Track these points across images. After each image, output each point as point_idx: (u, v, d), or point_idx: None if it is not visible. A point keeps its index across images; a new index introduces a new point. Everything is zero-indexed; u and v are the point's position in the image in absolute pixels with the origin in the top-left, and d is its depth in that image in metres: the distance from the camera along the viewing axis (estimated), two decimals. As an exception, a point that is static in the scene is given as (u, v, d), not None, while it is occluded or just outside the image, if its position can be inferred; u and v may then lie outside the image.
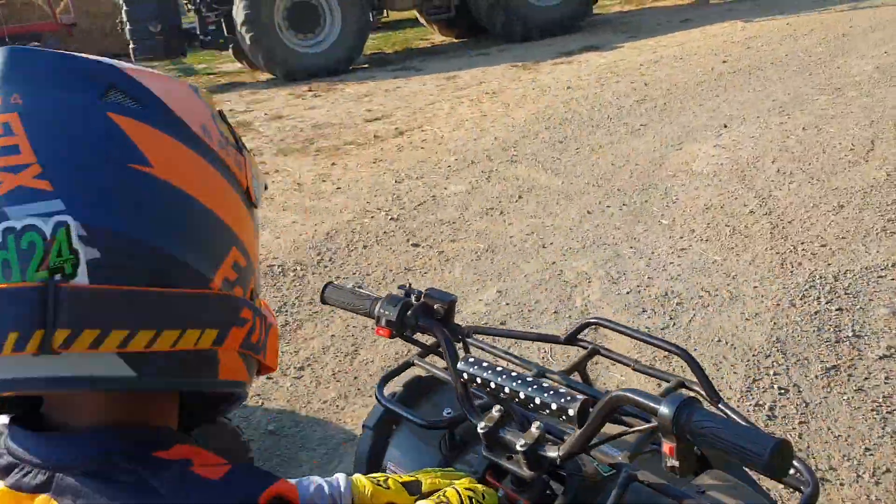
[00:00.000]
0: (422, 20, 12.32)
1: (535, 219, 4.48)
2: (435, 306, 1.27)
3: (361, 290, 1.37)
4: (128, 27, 9.44)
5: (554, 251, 3.99)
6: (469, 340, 1.32)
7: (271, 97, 9.03)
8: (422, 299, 1.27)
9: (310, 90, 9.11)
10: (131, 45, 9.54)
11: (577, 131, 6.10)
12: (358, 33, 9.99)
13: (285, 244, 4.42)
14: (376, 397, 1.28)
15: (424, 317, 1.26)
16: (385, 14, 11.76)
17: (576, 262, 3.82)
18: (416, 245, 4.27)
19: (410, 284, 1.37)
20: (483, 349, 1.36)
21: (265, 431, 2.79)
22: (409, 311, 1.25)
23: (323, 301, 1.40)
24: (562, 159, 5.48)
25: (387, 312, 1.27)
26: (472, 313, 3.43)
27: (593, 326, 1.33)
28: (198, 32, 9.85)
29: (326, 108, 8.22)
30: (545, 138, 6.03)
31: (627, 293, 3.41)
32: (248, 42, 9.19)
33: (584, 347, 1.32)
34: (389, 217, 4.70)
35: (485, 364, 1.07)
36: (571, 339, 1.33)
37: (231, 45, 10.31)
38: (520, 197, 4.85)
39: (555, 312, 3.34)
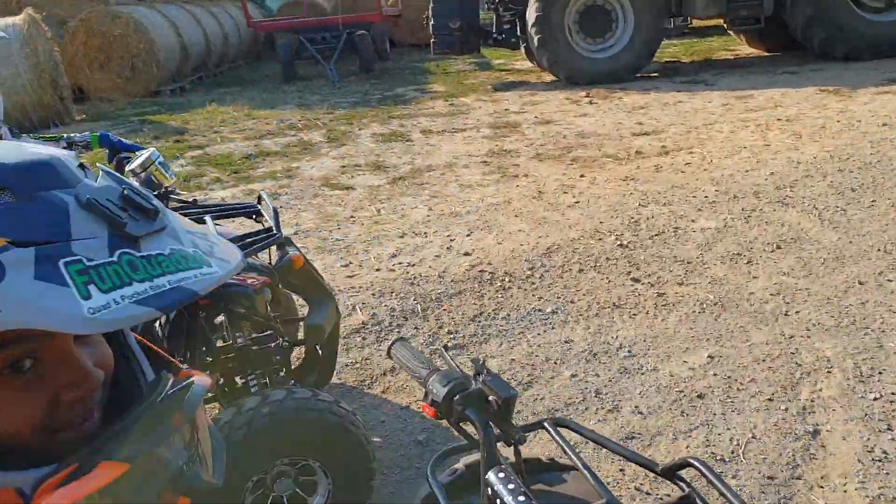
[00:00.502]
0: (729, 30, 11.29)
1: (787, 277, 3.77)
2: (490, 397, 1.06)
3: (425, 356, 1.22)
4: (431, 22, 10.15)
5: (797, 323, 3.31)
6: (551, 431, 1.11)
7: (547, 100, 9.02)
8: (477, 385, 1.08)
9: (587, 96, 8.90)
10: (432, 40, 10.25)
11: (880, 180, 5.02)
12: (649, 41, 9.49)
13: (503, 252, 4.33)
14: (427, 475, 1.12)
15: (474, 408, 1.06)
16: (689, 21, 11.01)
17: (820, 343, 3.11)
18: (636, 280, 3.88)
19: (485, 360, 1.17)
20: (561, 445, 1.11)
21: (414, 440, 2.74)
22: (458, 396, 1.07)
23: (388, 355, 1.28)
24: (847, 211, 4.55)
25: (434, 390, 1.10)
26: (668, 374, 2.99)
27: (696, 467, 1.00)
28: (493, 31, 10.22)
29: (597, 116, 7.95)
30: (834, 182, 5.07)
31: (874, 400, 2.67)
32: (535, 43, 9.28)
33: (681, 489, 1.02)
34: (618, 243, 4.34)
35: (514, 486, 0.91)
36: (668, 473, 1.03)
37: (524, 45, 10.52)
38: (778, 247, 4.13)
39: (769, 399, 2.75)
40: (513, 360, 3.20)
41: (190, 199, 2.75)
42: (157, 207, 0.61)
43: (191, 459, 0.65)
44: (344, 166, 6.57)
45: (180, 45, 12.52)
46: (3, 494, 0.56)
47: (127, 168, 2.23)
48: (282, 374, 2.57)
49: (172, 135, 8.38)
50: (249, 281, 2.18)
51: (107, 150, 2.49)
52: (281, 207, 5.48)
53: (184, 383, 0.67)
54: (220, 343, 2.37)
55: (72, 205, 0.55)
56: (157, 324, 2.61)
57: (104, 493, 0.55)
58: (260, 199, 2.62)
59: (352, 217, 5.17)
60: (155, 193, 2.16)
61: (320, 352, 2.57)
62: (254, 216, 2.57)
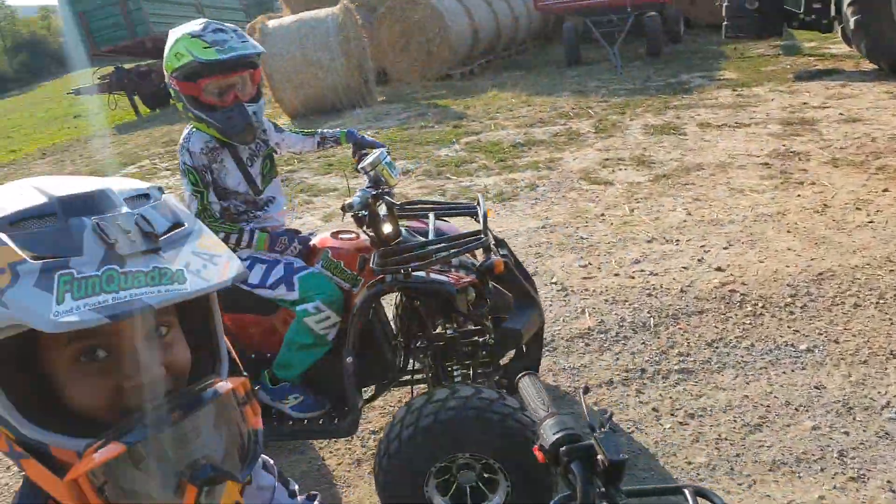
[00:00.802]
0: None
1: None
2: (599, 457, 0.99)
3: (548, 398, 1.17)
4: (725, 3, 9.31)
5: None
6: (690, 499, 1.03)
7: (859, 93, 7.74)
8: (589, 441, 1.01)
9: (914, 89, 7.45)
10: (724, 22, 9.41)
11: None
12: None
13: (763, 272, 3.88)
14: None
15: (580, 462, 1.00)
16: None
17: None
18: (929, 326, 3.20)
19: (611, 415, 1.09)
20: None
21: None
22: (566, 448, 1.01)
23: (515, 387, 1.26)
24: None
25: (544, 435, 1.07)
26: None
27: None
28: (800, 12, 9.02)
29: (924, 115, 6.62)
30: None
31: None
32: (851, 25, 7.98)
33: None
34: (916, 277, 3.61)
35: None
36: None
37: (841, 27, 9.12)
38: None
39: None
40: (746, 396, 2.88)
41: (424, 195, 2.93)
42: (158, 231, 0.75)
43: (205, 454, 0.76)
44: (607, 159, 6.42)
45: (472, 30, 13.23)
46: (67, 454, 0.72)
47: (359, 165, 2.44)
48: (488, 369, 2.66)
49: (452, 119, 8.96)
50: (455, 279, 2.26)
51: (351, 145, 2.76)
52: (535, 200, 5.57)
53: (203, 385, 0.79)
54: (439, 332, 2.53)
55: (87, 228, 0.70)
56: (394, 307, 2.86)
57: (106, 467, 0.69)
58: (478, 201, 2.70)
59: (602, 215, 5.05)
60: (379, 191, 2.36)
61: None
62: (474, 217, 2.65)
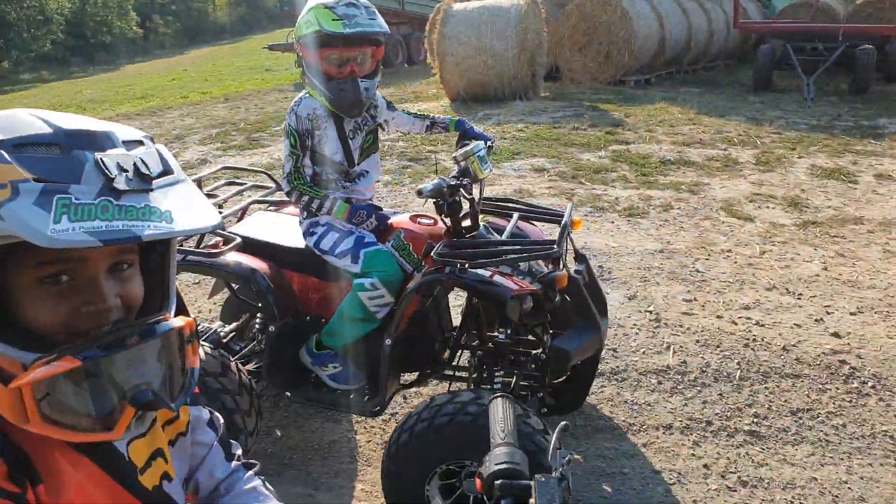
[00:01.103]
0: None
1: None
2: (531, 500, 0.91)
3: (512, 425, 1.06)
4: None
5: None
6: None
7: None
8: (527, 481, 0.94)
9: None
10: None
11: None
12: None
13: (889, 348, 3.44)
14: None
15: (511, 501, 0.94)
16: None
17: None
18: None
19: (570, 460, 0.97)
20: None
21: (647, 513, 2.49)
22: (502, 482, 0.94)
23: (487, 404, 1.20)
24: None
25: (486, 463, 0.99)
26: None
27: None
28: None
29: None
30: None
31: None
32: None
33: None
34: None
35: None
36: None
37: None
38: None
39: None
40: (814, 479, 2.59)
41: (516, 198, 2.90)
42: (152, 174, 0.84)
43: (147, 381, 0.86)
44: (757, 194, 5.95)
45: (659, 38, 12.70)
46: (14, 365, 0.81)
47: (453, 154, 2.47)
48: (534, 384, 2.61)
49: (607, 125, 8.72)
50: (517, 285, 2.22)
51: (458, 133, 2.79)
52: (664, 222, 5.31)
53: (157, 318, 0.89)
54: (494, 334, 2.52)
55: (90, 162, 0.79)
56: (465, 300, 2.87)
57: (53, 379, 0.78)
58: (567, 209, 2.63)
59: (728, 251, 4.70)
60: (460, 181, 2.38)
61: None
62: (560, 224, 2.59)
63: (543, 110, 10.05)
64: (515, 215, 2.64)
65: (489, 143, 2.71)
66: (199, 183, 3.09)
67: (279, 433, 3.01)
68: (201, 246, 2.68)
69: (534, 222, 2.80)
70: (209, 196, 2.95)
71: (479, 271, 2.25)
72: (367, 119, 2.66)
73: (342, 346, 2.55)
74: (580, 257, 2.61)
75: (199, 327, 2.82)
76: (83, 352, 0.79)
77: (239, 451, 1.21)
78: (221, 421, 1.20)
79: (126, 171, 0.81)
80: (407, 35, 19.21)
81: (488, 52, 10.48)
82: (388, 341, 2.36)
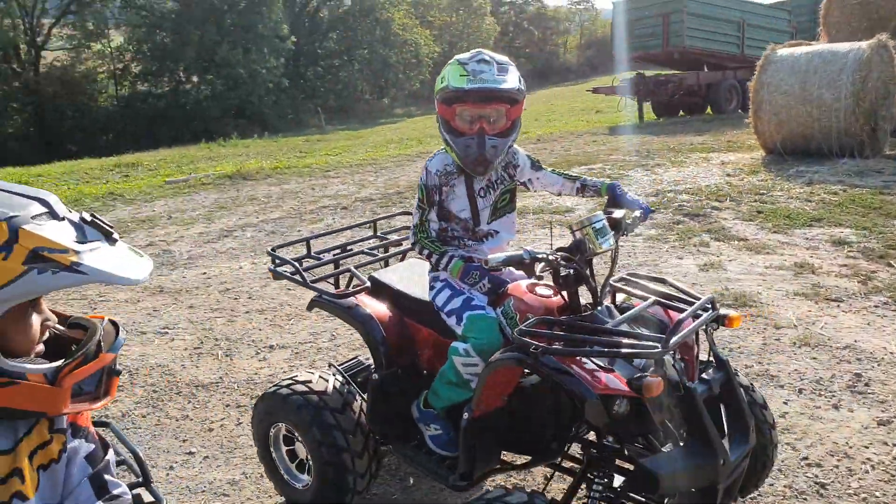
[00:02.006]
0: None
1: None
2: None
3: None
4: None
5: None
6: None
7: None
8: None
9: None
10: None
11: None
12: None
13: None
14: None
15: None
16: None
17: None
18: None
19: None
20: None
21: None
22: None
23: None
24: None
25: None
26: None
27: None
28: None
29: None
30: None
31: None
32: None
33: None
34: None
35: None
36: None
37: None
38: None
39: None
40: None
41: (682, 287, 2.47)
42: (111, 231, 1.14)
43: None
44: None
45: None
46: (37, 377, 1.10)
47: (570, 223, 2.23)
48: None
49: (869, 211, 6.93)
50: (606, 381, 1.89)
51: (607, 198, 2.51)
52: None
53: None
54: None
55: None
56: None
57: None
58: (713, 302, 2.18)
59: None
60: (580, 256, 2.13)
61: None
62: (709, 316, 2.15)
63: (878, 172, 8.42)
64: (651, 298, 2.27)
65: (641, 212, 2.38)
66: (374, 224, 3.29)
67: (412, 481, 3.00)
68: (339, 288, 2.83)
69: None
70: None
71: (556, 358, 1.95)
72: (503, 178, 2.55)
73: (442, 409, 2.46)
74: (719, 363, 2.13)
75: (349, 361, 2.98)
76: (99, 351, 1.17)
77: (119, 491, 1.25)
78: (108, 459, 1.26)
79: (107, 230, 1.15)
80: (743, 80, 17.81)
81: (814, 103, 9.18)
82: (465, 414, 2.21)
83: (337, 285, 2.87)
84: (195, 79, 35.66)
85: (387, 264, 3.03)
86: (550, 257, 2.09)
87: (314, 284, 2.68)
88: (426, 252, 2.46)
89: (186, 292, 5.57)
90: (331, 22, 43.24)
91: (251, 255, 6.58)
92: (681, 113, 18.23)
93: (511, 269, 2.63)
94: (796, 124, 9.43)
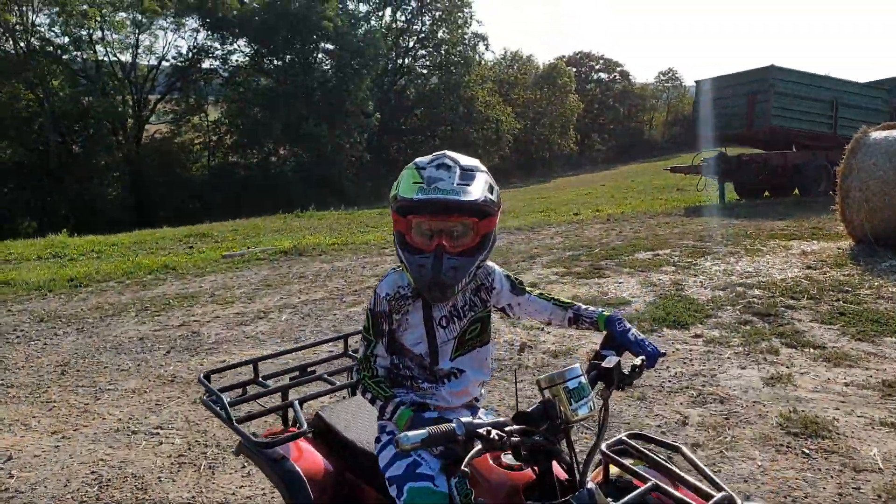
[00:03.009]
0: None
1: None
2: None
3: None
4: None
5: None
6: None
7: None
8: None
9: None
10: None
11: None
12: None
13: None
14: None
15: None
16: None
17: None
18: None
19: None
20: None
21: None
22: None
23: None
24: None
25: None
26: None
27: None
28: None
29: None
30: None
31: None
32: None
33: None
34: None
35: None
36: None
37: None
38: None
39: None
40: None
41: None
42: None
43: None
44: None
45: None
46: None
47: (537, 378, 1.68)
48: None
49: None
50: None
51: (604, 334, 1.95)
52: None
53: None
54: None
55: None
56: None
57: None
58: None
59: None
60: (549, 425, 1.58)
61: None
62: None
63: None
64: (649, 482, 1.67)
65: (643, 359, 1.82)
66: (346, 340, 2.82)
67: None
68: (289, 425, 2.37)
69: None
70: None
71: None
72: (472, 304, 2.04)
73: None
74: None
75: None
76: None
77: None
78: None
79: None
80: (834, 162, 16.66)
81: (911, 190, 8.22)
82: None
83: (285, 422, 2.40)
84: (282, 151, 37.26)
85: (353, 393, 2.55)
86: (494, 434, 1.54)
87: (245, 422, 2.21)
88: (369, 395, 1.97)
89: (197, 385, 5.24)
90: (416, 99, 44.56)
91: (275, 343, 6.25)
92: (765, 194, 17.19)
93: (480, 416, 2.10)
94: (891, 212, 8.46)
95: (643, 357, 1.84)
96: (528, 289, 2.14)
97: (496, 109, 44.29)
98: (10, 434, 4.46)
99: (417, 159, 1.94)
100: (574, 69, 56.93)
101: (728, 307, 6.38)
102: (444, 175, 1.83)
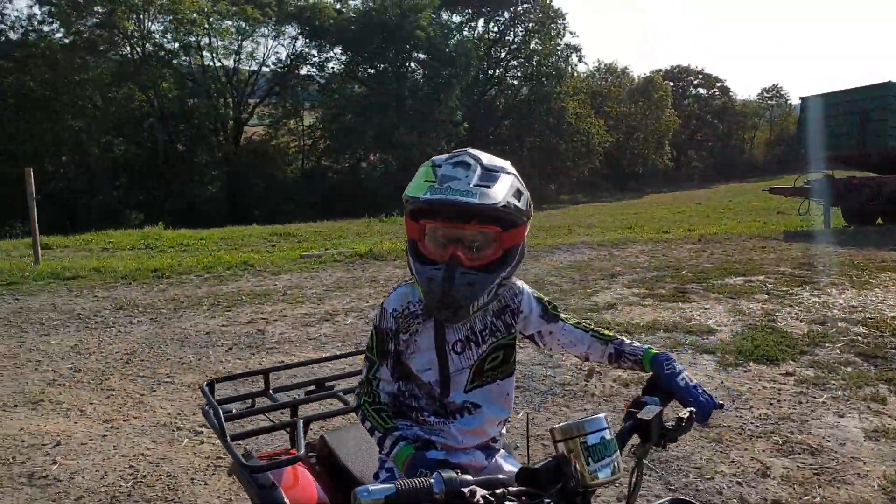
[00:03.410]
0: None
1: None
2: None
3: None
4: None
5: None
6: None
7: None
8: None
9: None
10: None
11: None
12: None
13: None
14: None
15: None
16: None
17: None
18: None
19: None
20: None
21: None
22: None
23: None
24: None
25: None
26: None
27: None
28: None
29: None
30: None
31: None
32: None
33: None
34: None
35: None
36: None
37: None
38: None
39: None
40: None
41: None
42: None
43: None
44: None
45: None
46: None
47: (551, 428, 1.36)
48: None
49: None
50: None
51: (649, 377, 1.62)
52: None
53: None
54: None
55: None
56: None
57: None
58: None
59: None
60: (562, 487, 1.28)
61: None
62: None
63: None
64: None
65: (691, 411, 1.48)
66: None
67: None
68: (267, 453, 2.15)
69: None
70: None
71: None
72: (495, 328, 1.75)
73: None
74: None
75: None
76: None
77: None
78: None
79: None
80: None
81: None
82: None
83: (293, 441, 2.18)
84: (373, 157, 37.88)
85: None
86: (480, 498, 1.23)
87: (244, 439, 2.01)
88: (368, 424, 1.71)
89: (251, 385, 5.17)
90: (506, 109, 44.33)
91: (336, 346, 6.12)
92: (878, 221, 15.80)
93: (498, 460, 1.80)
94: None
95: (692, 409, 1.49)
96: (562, 315, 1.82)
97: (587, 121, 43.37)
98: (64, 419, 4.50)
99: (437, 157, 1.67)
100: (671, 83, 55.09)
101: (827, 344, 5.74)
102: (460, 174, 1.55)
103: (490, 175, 1.56)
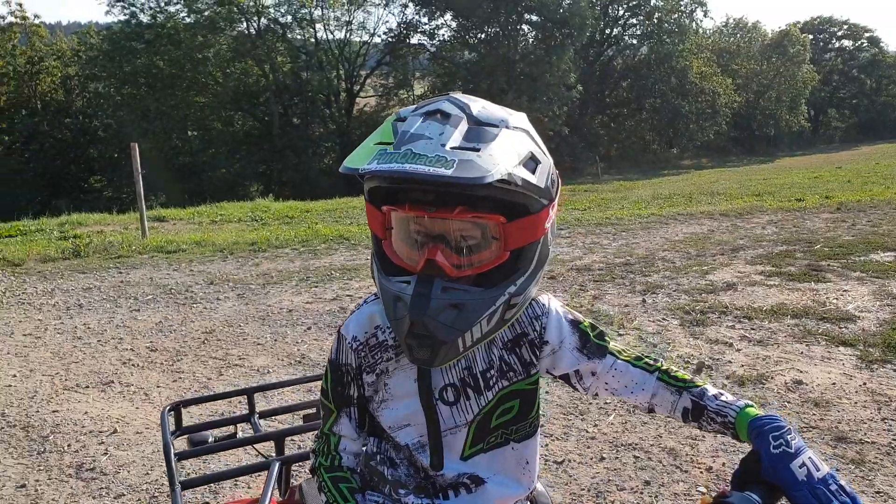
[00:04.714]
0: None
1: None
2: None
3: None
4: None
5: None
6: None
7: None
8: None
9: None
10: None
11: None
12: None
13: None
14: None
15: None
16: None
17: None
18: None
19: None
20: None
21: None
22: None
23: None
24: None
25: None
26: None
27: None
28: None
29: None
30: None
31: None
32: None
33: None
34: None
35: None
36: None
37: None
38: None
39: None
40: None
41: None
42: None
43: None
44: None
45: None
46: None
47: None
48: None
49: None
50: None
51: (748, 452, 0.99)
52: None
53: None
54: None
55: None
56: None
57: None
58: None
59: None
60: None
61: None
62: None
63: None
64: None
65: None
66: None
67: None
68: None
69: None
70: None
71: None
72: (506, 365, 1.16)
73: None
74: None
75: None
76: None
77: None
78: None
79: None
80: None
81: None
82: None
83: (279, 482, 1.72)
84: (481, 125, 37.41)
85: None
86: None
87: (196, 487, 1.57)
88: (323, 499, 1.19)
89: (315, 365, 4.85)
90: (623, 71, 42.11)
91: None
92: None
93: None
94: None
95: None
96: (612, 346, 1.21)
97: (713, 80, 40.29)
98: (129, 403, 4.36)
99: (406, 108, 1.09)
100: (810, 36, 50.10)
101: None
102: (431, 130, 0.96)
103: (480, 132, 0.97)
